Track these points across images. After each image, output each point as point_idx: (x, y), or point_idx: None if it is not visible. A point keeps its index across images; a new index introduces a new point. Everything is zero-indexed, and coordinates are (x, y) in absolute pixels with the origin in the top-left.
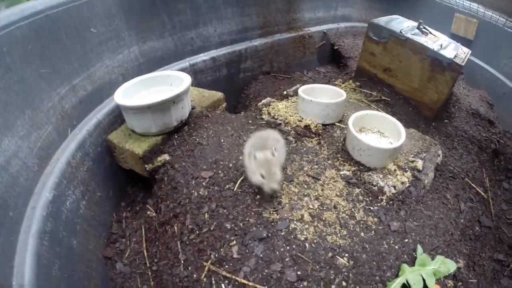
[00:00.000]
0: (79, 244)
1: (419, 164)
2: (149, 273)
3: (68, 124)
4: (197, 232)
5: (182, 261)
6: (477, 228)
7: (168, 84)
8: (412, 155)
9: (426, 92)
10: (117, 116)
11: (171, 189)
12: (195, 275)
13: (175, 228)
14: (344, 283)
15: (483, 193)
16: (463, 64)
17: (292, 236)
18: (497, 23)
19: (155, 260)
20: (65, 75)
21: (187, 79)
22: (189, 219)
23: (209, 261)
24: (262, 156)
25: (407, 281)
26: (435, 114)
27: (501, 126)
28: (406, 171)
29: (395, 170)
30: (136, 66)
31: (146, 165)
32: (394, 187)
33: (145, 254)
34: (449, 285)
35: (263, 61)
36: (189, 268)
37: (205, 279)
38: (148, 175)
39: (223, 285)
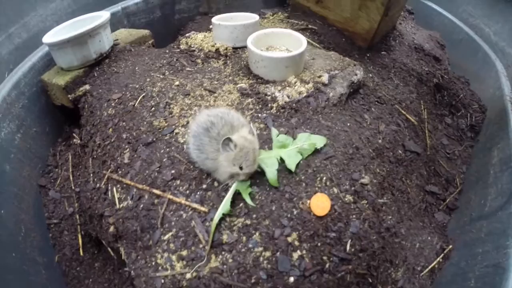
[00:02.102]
0: (12, 170)
1: (325, 77)
2: (74, 195)
3: (6, 68)
4: (102, 146)
5: (91, 175)
6: (399, 151)
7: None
8: (322, 71)
9: (358, 21)
10: (51, 59)
11: (89, 114)
12: (98, 185)
13: (90, 147)
14: (215, 184)
15: (413, 120)
16: None
17: (173, 140)
18: None
19: (78, 182)
20: (0, 25)
21: (105, 15)
22: (98, 136)
23: (109, 170)
24: (243, 140)
25: (259, 166)
26: (369, 44)
27: (456, 71)
28: (308, 84)
29: (295, 82)
30: (70, 13)
31: (69, 95)
32: (289, 96)
33: (71, 178)
34: (347, 200)
35: (200, 2)
36: (95, 180)
37: (103, 186)
38: (73, 105)
39: (114, 188)
